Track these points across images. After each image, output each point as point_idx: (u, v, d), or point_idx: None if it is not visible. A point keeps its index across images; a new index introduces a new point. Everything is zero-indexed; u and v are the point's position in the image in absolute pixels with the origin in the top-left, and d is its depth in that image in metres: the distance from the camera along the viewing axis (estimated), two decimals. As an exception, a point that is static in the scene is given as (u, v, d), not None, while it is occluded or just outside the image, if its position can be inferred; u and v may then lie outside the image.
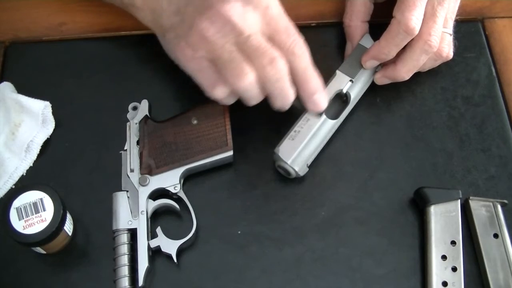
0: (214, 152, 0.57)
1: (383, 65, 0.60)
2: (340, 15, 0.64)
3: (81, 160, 0.59)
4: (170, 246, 0.54)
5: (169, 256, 0.54)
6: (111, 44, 0.65)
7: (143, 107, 0.59)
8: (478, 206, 0.56)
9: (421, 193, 0.56)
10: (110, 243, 0.54)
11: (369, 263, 0.55)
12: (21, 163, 0.58)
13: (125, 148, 0.58)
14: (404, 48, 0.57)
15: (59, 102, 0.60)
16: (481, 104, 0.62)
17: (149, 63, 0.63)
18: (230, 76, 0.51)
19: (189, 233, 0.54)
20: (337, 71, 0.60)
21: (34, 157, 0.59)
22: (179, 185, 0.56)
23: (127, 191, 0.56)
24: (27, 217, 0.51)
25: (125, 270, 0.53)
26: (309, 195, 0.58)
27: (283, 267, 0.55)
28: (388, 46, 0.57)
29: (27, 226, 0.51)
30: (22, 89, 0.61)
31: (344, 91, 0.59)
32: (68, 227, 0.54)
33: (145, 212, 0.55)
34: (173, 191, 0.56)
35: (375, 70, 0.61)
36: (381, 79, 0.60)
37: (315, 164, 0.58)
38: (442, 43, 0.58)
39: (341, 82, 0.59)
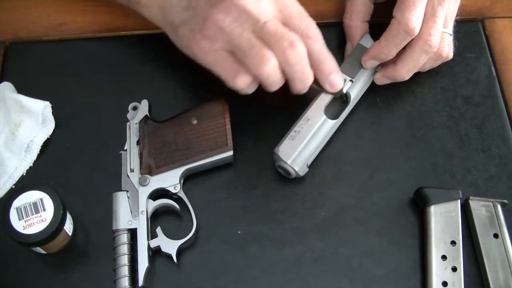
0: (214, 152, 0.57)
1: (383, 65, 0.60)
2: (340, 15, 0.64)
3: (81, 160, 0.59)
4: (170, 246, 0.54)
5: (169, 256, 0.54)
6: (111, 44, 0.65)
7: (143, 107, 0.59)
8: (478, 206, 0.56)
9: (421, 193, 0.56)
10: (110, 243, 0.54)
11: (369, 263, 0.55)
12: (21, 163, 0.58)
13: (125, 148, 0.58)
14: (404, 48, 0.57)
15: (59, 102, 0.60)
16: (481, 104, 0.62)
17: (149, 63, 0.63)
18: (252, 64, 0.51)
19: (189, 233, 0.54)
20: (340, 71, 0.60)
21: (34, 157, 0.59)
22: (179, 185, 0.56)
23: (127, 191, 0.56)
24: (27, 217, 0.51)
25: (125, 270, 0.53)
26: (309, 195, 0.58)
27: (283, 267, 0.55)
28: (388, 46, 0.57)
29: (27, 226, 0.51)
30: (22, 89, 0.61)
31: (344, 91, 0.59)
32: (68, 227, 0.54)
33: (145, 212, 0.55)
34: (173, 191, 0.56)
35: (375, 70, 0.61)
36: (381, 79, 0.60)
37: (315, 164, 0.58)
38: (442, 43, 0.58)
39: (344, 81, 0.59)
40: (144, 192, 0.55)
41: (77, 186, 0.58)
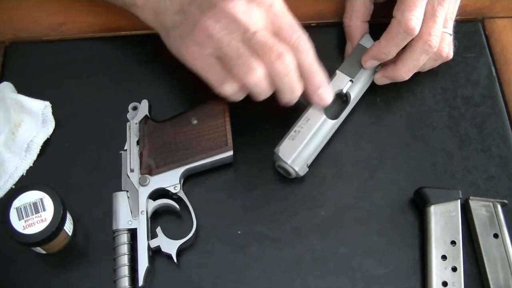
0: (214, 152, 0.57)
1: (383, 65, 0.60)
2: (340, 15, 0.64)
3: (81, 160, 0.59)
4: (170, 246, 0.54)
5: (169, 256, 0.54)
6: (111, 44, 0.65)
7: (143, 107, 0.59)
8: (478, 206, 0.56)
9: (421, 193, 0.56)
10: (110, 243, 0.54)
11: (369, 263, 0.55)
12: (21, 163, 0.58)
13: (125, 148, 0.58)
14: (404, 48, 0.57)
15: (59, 102, 0.60)
16: (481, 104, 0.62)
17: (149, 63, 0.63)
18: (238, 72, 0.51)
19: (189, 233, 0.54)
20: (337, 71, 0.60)
21: (34, 157, 0.59)
22: (179, 185, 0.56)
23: (127, 191, 0.56)
24: (27, 217, 0.51)
25: (125, 270, 0.53)
26: (309, 195, 0.58)
27: (283, 267, 0.55)
28: (388, 46, 0.57)
29: (27, 226, 0.51)
30: (22, 89, 0.61)
31: (344, 91, 0.59)
32: (68, 227, 0.54)
33: (145, 212, 0.55)
34: (173, 191, 0.56)
35: (375, 70, 0.61)
36: (381, 79, 0.60)
37: (315, 164, 0.58)
38: (442, 43, 0.58)
39: (341, 82, 0.59)
40: (144, 192, 0.55)
41: (77, 186, 0.58)
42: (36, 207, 0.51)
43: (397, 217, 0.57)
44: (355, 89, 0.60)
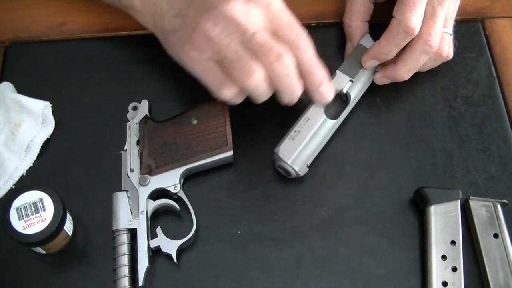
0: (214, 152, 0.57)
1: (383, 65, 0.60)
2: (340, 15, 0.64)
3: (81, 160, 0.59)
4: (170, 246, 0.54)
5: (169, 256, 0.54)
6: (111, 44, 0.65)
7: (143, 107, 0.59)
8: (478, 206, 0.56)
9: (421, 193, 0.56)
10: (110, 243, 0.54)
11: (369, 263, 0.55)
12: (21, 163, 0.58)
13: (125, 148, 0.58)
14: (404, 48, 0.57)
15: (59, 102, 0.60)
16: (481, 104, 0.62)
17: (149, 63, 0.63)
18: (238, 75, 0.51)
19: (189, 233, 0.54)
20: (337, 71, 0.60)
21: (34, 157, 0.59)
22: (179, 185, 0.56)
23: (127, 191, 0.56)
24: (27, 217, 0.51)
25: (125, 270, 0.53)
26: (309, 195, 0.58)
27: (283, 267, 0.55)
28: (388, 46, 0.57)
29: (27, 226, 0.51)
30: (22, 89, 0.61)
31: (344, 91, 0.59)
32: (68, 227, 0.54)
33: (145, 212, 0.55)
34: (173, 191, 0.56)
35: (375, 70, 0.61)
36: (381, 79, 0.60)
37: (315, 164, 0.58)
38: (442, 43, 0.58)
39: (341, 82, 0.59)
40: (144, 192, 0.55)
41: (77, 186, 0.58)
42: (36, 207, 0.51)
43: (397, 217, 0.57)
44: (355, 89, 0.60)
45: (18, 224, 0.51)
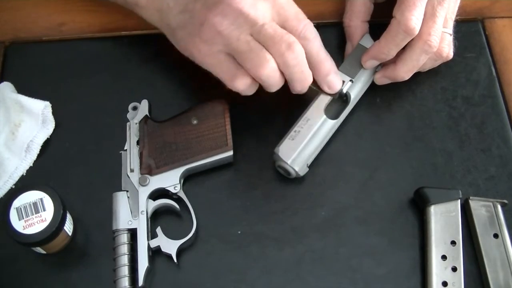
0: (214, 152, 0.57)
1: (383, 65, 0.60)
2: (340, 15, 0.64)
3: (81, 160, 0.59)
4: (170, 246, 0.54)
5: (169, 256, 0.54)
6: (111, 44, 0.65)
7: (143, 107, 0.59)
8: (478, 206, 0.56)
9: (421, 193, 0.56)
10: (110, 243, 0.54)
11: (369, 263, 0.55)
12: (21, 163, 0.58)
13: (125, 148, 0.58)
14: (404, 48, 0.57)
15: (59, 102, 0.60)
16: (481, 104, 0.62)
17: (149, 63, 0.63)
18: (251, 66, 0.51)
19: (189, 233, 0.54)
20: (338, 72, 0.60)
21: (34, 157, 0.59)
22: (179, 185, 0.56)
23: (127, 191, 0.56)
24: (27, 217, 0.51)
25: (125, 270, 0.53)
26: (309, 195, 0.58)
27: (283, 267, 0.55)
28: (388, 46, 0.57)
29: (27, 226, 0.51)
30: (22, 89, 0.61)
31: (344, 91, 0.59)
32: (68, 227, 0.54)
33: (145, 212, 0.55)
34: (173, 191, 0.56)
35: (375, 70, 0.61)
36: (381, 79, 0.60)
37: (315, 164, 0.58)
38: (442, 43, 0.58)
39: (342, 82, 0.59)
40: (144, 192, 0.55)
41: (77, 186, 0.58)
42: (36, 207, 0.51)
43: (397, 217, 0.57)
44: (355, 89, 0.60)
45: (18, 224, 0.51)
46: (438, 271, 0.53)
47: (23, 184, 0.57)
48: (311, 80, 0.54)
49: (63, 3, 0.67)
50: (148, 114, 0.59)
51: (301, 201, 0.58)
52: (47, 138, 0.59)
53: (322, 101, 0.58)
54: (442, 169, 0.59)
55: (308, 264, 0.55)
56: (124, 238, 0.54)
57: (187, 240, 0.54)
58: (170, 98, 0.62)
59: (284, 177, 0.58)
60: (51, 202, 0.52)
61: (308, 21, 0.53)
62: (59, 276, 0.54)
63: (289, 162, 0.55)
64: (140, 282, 0.52)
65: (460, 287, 0.53)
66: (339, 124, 0.59)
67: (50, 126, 0.60)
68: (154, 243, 0.54)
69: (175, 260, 0.54)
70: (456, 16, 0.59)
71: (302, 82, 0.54)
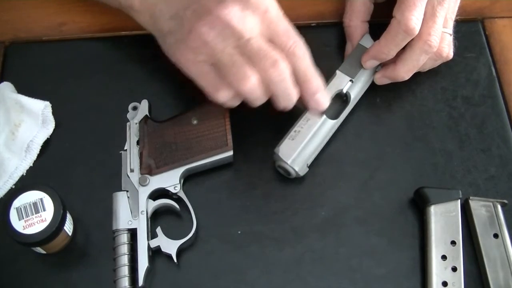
0: (214, 152, 0.57)
1: (383, 65, 0.60)
2: (340, 15, 0.64)
3: (81, 160, 0.59)
4: (170, 246, 0.54)
5: (169, 256, 0.54)
6: (111, 44, 0.65)
7: (143, 107, 0.59)
8: (478, 206, 0.56)
9: (421, 193, 0.56)
10: (110, 243, 0.54)
11: (369, 263, 0.55)
12: (21, 163, 0.58)
13: (125, 148, 0.58)
14: (404, 48, 0.57)
15: (59, 102, 0.60)
16: (481, 104, 0.62)
17: (149, 63, 0.63)
18: (233, 80, 0.51)
19: (189, 233, 0.54)
20: (337, 71, 0.60)
21: (34, 157, 0.59)
22: (179, 185, 0.56)
23: (127, 191, 0.56)
24: (27, 217, 0.51)
25: (125, 270, 0.53)
26: (309, 195, 0.58)
27: (283, 267, 0.55)
28: (388, 46, 0.57)
29: (27, 226, 0.51)
30: (22, 89, 0.61)
31: (344, 91, 0.59)
32: (68, 227, 0.54)
33: (145, 212, 0.55)
34: (173, 191, 0.56)
35: (375, 70, 0.61)
36: (381, 79, 0.60)
37: (315, 164, 0.58)
38: (442, 43, 0.58)
39: (341, 82, 0.59)
40: (144, 192, 0.55)
41: (77, 186, 0.58)
42: (36, 207, 0.51)
43: (397, 217, 0.57)
44: (355, 89, 0.60)
45: (18, 224, 0.51)
46: (438, 271, 0.53)
47: (23, 184, 0.57)
48: (295, 98, 0.54)
49: (63, 3, 0.67)
50: (148, 114, 0.59)
51: (301, 201, 0.58)
52: (47, 138, 0.59)
53: (322, 101, 0.58)
54: (442, 169, 0.59)
55: (308, 264, 0.55)
56: (124, 238, 0.54)
57: (187, 240, 0.54)
58: (170, 98, 0.62)
59: (284, 177, 0.58)
60: (51, 202, 0.52)
61: (298, 38, 0.52)
62: (59, 276, 0.54)
63: (289, 162, 0.55)
64: (140, 282, 0.52)
65: (460, 287, 0.53)
66: (339, 124, 0.59)
67: (50, 126, 0.60)
68: (154, 243, 0.54)
69: (175, 260, 0.54)
70: (456, 16, 0.59)
71: (286, 100, 0.53)
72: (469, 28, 0.66)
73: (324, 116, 0.57)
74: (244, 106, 0.55)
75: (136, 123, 0.58)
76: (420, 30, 0.55)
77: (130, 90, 0.62)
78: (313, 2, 0.67)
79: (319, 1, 0.67)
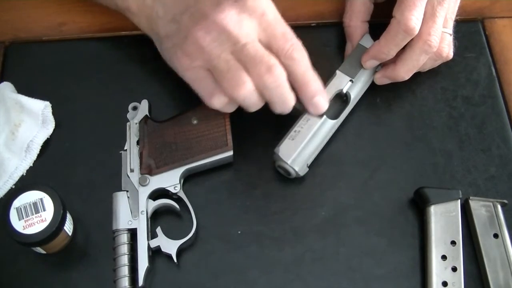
0: (214, 152, 0.57)
1: (383, 65, 0.60)
2: (340, 15, 0.64)
3: (81, 160, 0.59)
4: (170, 246, 0.54)
5: (169, 256, 0.54)
6: (111, 44, 0.65)
7: (143, 107, 0.59)
8: (478, 206, 0.56)
9: (421, 193, 0.56)
10: (110, 243, 0.54)
11: (369, 263, 0.55)
12: (21, 163, 0.58)
13: (125, 148, 0.58)
14: (404, 48, 0.57)
15: (59, 102, 0.60)
16: (481, 104, 0.62)
17: (149, 63, 0.63)
18: (228, 86, 0.51)
19: (189, 233, 0.54)
20: (337, 71, 0.60)
21: (34, 157, 0.59)
22: (179, 185, 0.56)
23: (127, 191, 0.56)
24: (27, 217, 0.51)
25: (125, 270, 0.53)
26: (309, 195, 0.58)
27: (283, 267, 0.55)
28: (388, 46, 0.57)
29: (27, 226, 0.51)
30: (22, 89, 0.61)
31: (344, 91, 0.59)
32: (68, 227, 0.54)
33: (145, 212, 0.55)
34: (173, 191, 0.56)
35: (375, 70, 0.61)
36: (381, 79, 0.60)
37: (315, 164, 0.58)
38: (442, 43, 0.58)
39: (341, 82, 0.59)
40: (144, 192, 0.55)
41: (77, 186, 0.58)
42: (36, 207, 0.51)
43: (397, 217, 0.57)
44: (355, 89, 0.60)
45: (18, 224, 0.51)
46: (438, 271, 0.53)
47: (23, 184, 0.57)
48: (292, 103, 0.53)
49: (63, 3, 0.67)
50: (148, 114, 0.59)
51: (301, 201, 0.58)
52: (47, 138, 0.59)
53: (322, 101, 0.58)
54: (442, 169, 0.59)
55: (308, 264, 0.55)
56: (124, 238, 0.54)
57: (187, 240, 0.54)
58: (170, 98, 0.62)
59: (284, 177, 0.58)
60: (51, 202, 0.52)
61: (296, 40, 0.52)
62: (59, 276, 0.54)
63: (289, 162, 0.55)
64: (140, 282, 0.52)
65: (460, 287, 0.53)
66: (339, 124, 0.59)
67: (50, 126, 0.60)
68: (154, 243, 0.54)
69: (175, 260, 0.54)
70: (456, 16, 0.59)
71: (282, 105, 0.53)
72: (469, 28, 0.66)
73: (324, 116, 0.57)
74: (243, 108, 0.55)
75: (136, 123, 0.58)
76: (420, 30, 0.55)
77: (130, 90, 0.62)
78: (313, 2, 0.67)
79: (319, 1, 0.67)
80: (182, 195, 0.56)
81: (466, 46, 0.65)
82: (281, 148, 0.56)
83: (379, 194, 0.58)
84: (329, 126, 0.58)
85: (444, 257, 0.54)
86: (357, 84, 0.60)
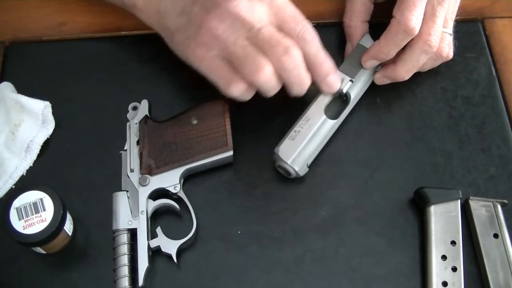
0: (214, 152, 0.57)
1: (383, 65, 0.60)
2: (340, 15, 0.64)
3: (81, 160, 0.59)
4: (170, 246, 0.54)
5: (169, 256, 0.54)
6: (111, 44, 0.65)
7: (143, 107, 0.59)
8: (478, 206, 0.56)
9: (421, 193, 0.56)
10: (110, 243, 0.54)
11: (369, 263, 0.55)
12: (21, 163, 0.58)
13: (125, 148, 0.58)
14: (404, 48, 0.57)
15: (59, 102, 0.60)
16: (481, 104, 0.62)
17: (149, 63, 0.63)
18: (248, 72, 0.51)
19: (189, 233, 0.54)
20: (337, 71, 0.60)
21: (34, 157, 0.59)
22: (179, 185, 0.56)
23: (127, 191, 0.56)
24: (27, 217, 0.51)
25: (125, 270, 0.53)
26: (309, 195, 0.58)
27: (283, 267, 0.55)
28: (388, 46, 0.57)
29: (27, 226, 0.51)
30: (22, 89, 0.61)
31: (344, 91, 0.59)
32: (68, 227, 0.54)
33: (145, 212, 0.55)
34: (173, 191, 0.56)
35: (375, 70, 0.61)
36: (381, 79, 0.60)
37: (315, 164, 0.58)
38: (442, 43, 0.58)
39: (341, 82, 0.59)
40: (144, 192, 0.55)
41: (77, 186, 0.58)
42: (36, 207, 0.51)
43: (397, 217, 0.57)
44: (355, 89, 0.60)
45: (18, 224, 0.51)
46: (438, 271, 0.53)
47: (23, 184, 0.57)
48: (309, 83, 0.54)
49: (63, 3, 0.67)
50: (148, 114, 0.59)
51: (301, 201, 0.58)
52: (47, 138, 0.59)
53: (322, 101, 0.58)
54: (442, 169, 0.59)
55: (308, 264, 0.55)
56: (124, 238, 0.54)
57: (187, 240, 0.54)
58: (170, 98, 0.62)
59: (284, 177, 0.58)
60: (51, 202, 0.52)
61: (306, 22, 0.53)
62: (59, 276, 0.54)
63: (289, 162, 0.55)
64: (140, 282, 0.52)
65: (460, 287, 0.53)
66: (339, 124, 0.59)
67: (50, 126, 0.60)
68: (154, 243, 0.54)
69: (175, 260, 0.54)
70: (456, 16, 0.59)
71: (300, 86, 0.54)
72: (469, 28, 0.66)
73: (324, 116, 0.57)
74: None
75: (136, 123, 0.58)
76: (420, 30, 0.55)
77: (130, 90, 0.62)
78: (313, 2, 0.67)
79: (319, 1, 0.67)
80: (182, 195, 0.56)
81: (466, 46, 0.65)
82: (281, 148, 0.56)
83: (379, 194, 0.58)
84: (329, 126, 0.58)
85: (444, 257, 0.54)
86: (357, 84, 0.60)
